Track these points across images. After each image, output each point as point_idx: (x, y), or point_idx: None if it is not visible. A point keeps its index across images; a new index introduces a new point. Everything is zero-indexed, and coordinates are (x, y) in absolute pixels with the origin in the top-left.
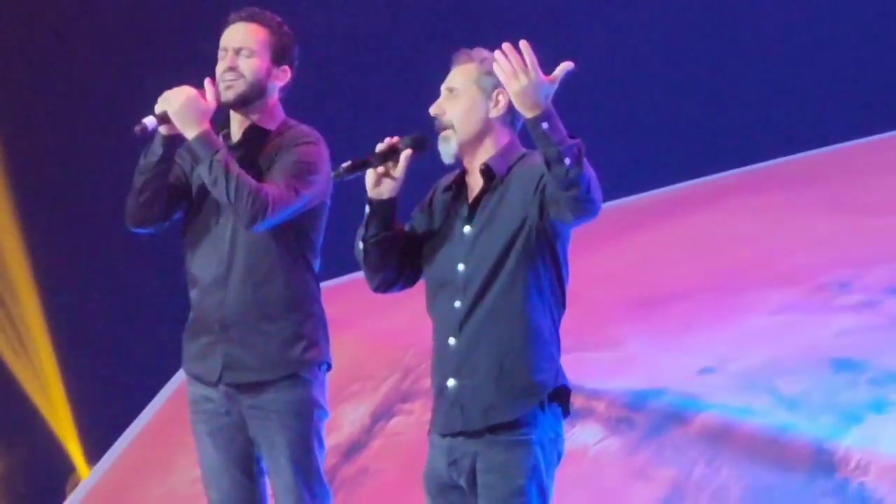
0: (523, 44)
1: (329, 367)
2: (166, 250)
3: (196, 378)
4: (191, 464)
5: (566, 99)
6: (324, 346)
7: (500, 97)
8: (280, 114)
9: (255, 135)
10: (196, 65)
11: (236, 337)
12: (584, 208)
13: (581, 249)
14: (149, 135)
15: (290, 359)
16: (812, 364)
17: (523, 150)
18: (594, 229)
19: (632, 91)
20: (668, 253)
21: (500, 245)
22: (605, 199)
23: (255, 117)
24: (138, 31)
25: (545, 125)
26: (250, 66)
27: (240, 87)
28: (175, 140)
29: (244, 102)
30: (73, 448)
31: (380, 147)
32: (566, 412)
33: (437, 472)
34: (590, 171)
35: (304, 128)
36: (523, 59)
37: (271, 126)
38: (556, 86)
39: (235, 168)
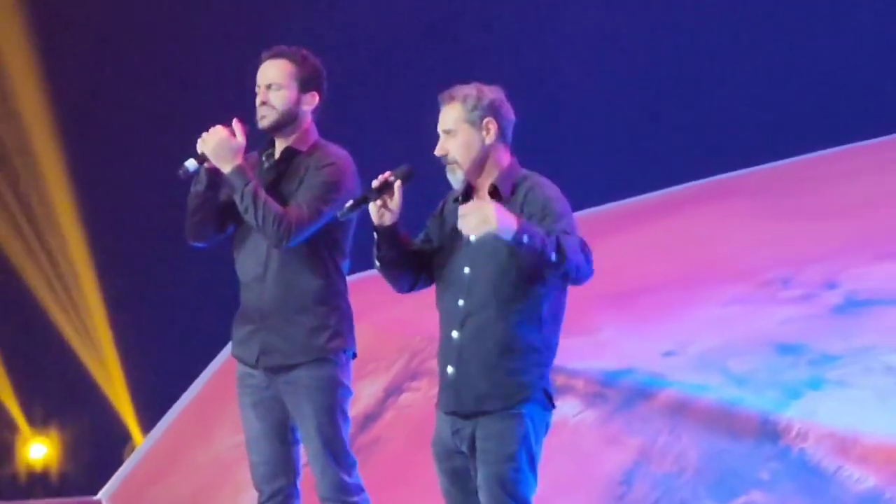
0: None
1: (354, 355)
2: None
3: (240, 360)
4: (231, 433)
5: (554, 118)
6: (347, 335)
7: (490, 125)
8: (313, 135)
9: (289, 155)
10: (238, 84)
11: (272, 326)
12: (580, 279)
13: None
14: (190, 175)
15: (316, 345)
16: (759, 347)
17: (523, 171)
18: None
19: (608, 112)
20: (638, 253)
21: (501, 256)
22: (584, 207)
23: (290, 140)
24: (186, 47)
25: (525, 238)
26: (280, 99)
27: (272, 117)
28: (217, 173)
29: (278, 129)
30: (129, 419)
31: (375, 183)
32: (552, 405)
33: (443, 440)
34: (575, 255)
35: (331, 148)
36: (479, 212)
37: (303, 147)
38: (490, 203)
39: (263, 196)
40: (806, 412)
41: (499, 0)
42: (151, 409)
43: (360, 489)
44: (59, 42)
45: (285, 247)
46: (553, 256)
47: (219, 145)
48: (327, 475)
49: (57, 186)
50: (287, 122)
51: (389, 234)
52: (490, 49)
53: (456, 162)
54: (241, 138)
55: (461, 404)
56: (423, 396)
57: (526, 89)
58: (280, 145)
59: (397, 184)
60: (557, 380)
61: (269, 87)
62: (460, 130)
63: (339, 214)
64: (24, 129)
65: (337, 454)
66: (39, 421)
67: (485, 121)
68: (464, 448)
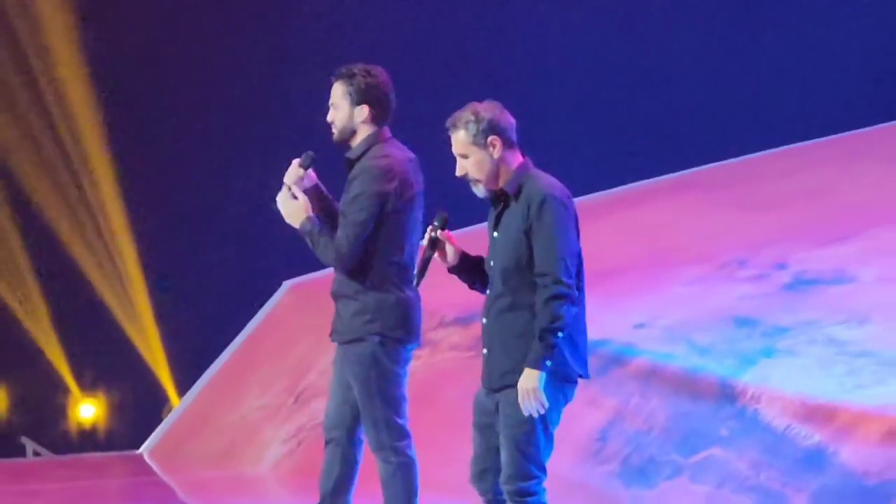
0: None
1: (396, 341)
2: (248, 221)
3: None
4: (257, 396)
5: (534, 113)
6: (387, 321)
7: (494, 142)
8: (363, 145)
9: (348, 163)
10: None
11: (336, 309)
12: (570, 316)
13: None
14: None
15: (353, 327)
16: (718, 321)
17: (530, 170)
18: None
19: (589, 114)
20: (613, 238)
21: (509, 249)
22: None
23: (350, 148)
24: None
25: (547, 365)
26: (337, 117)
27: (336, 134)
28: (315, 191)
29: (343, 142)
30: (167, 383)
31: (423, 242)
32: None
33: (480, 400)
34: (555, 326)
35: (365, 163)
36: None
37: (356, 155)
38: (527, 381)
39: (318, 239)
40: (759, 378)
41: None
42: (187, 375)
43: (397, 451)
44: (103, 16)
45: (345, 269)
46: (553, 352)
47: (286, 214)
48: (369, 435)
49: (102, 166)
50: (347, 136)
51: (461, 270)
52: (472, 46)
53: (475, 179)
54: (306, 183)
55: (490, 381)
56: (424, 364)
57: (512, 92)
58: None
59: (440, 234)
60: None
61: (332, 106)
62: (471, 153)
63: (415, 284)
64: (73, 113)
65: (374, 419)
66: (88, 385)
67: (489, 139)
68: (493, 409)
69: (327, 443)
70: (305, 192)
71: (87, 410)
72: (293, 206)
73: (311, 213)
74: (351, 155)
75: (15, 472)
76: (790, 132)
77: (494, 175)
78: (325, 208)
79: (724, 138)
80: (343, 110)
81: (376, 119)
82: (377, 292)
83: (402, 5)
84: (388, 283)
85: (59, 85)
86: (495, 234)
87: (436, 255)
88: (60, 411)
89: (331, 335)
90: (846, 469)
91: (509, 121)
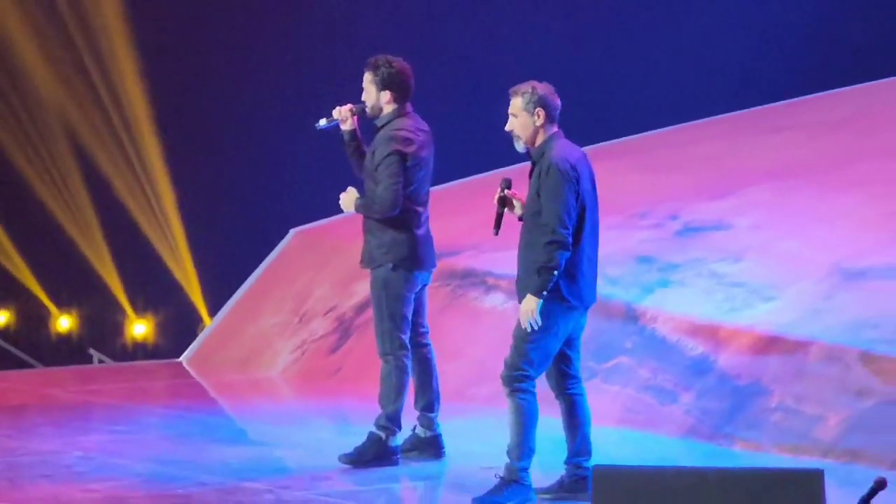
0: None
1: (405, 269)
2: (276, 158)
3: None
4: (273, 314)
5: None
6: (399, 252)
7: (539, 111)
8: (388, 117)
9: (376, 129)
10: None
11: (365, 242)
12: (564, 257)
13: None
14: (324, 130)
15: (374, 256)
16: (626, 259)
17: (555, 141)
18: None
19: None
20: None
21: (529, 201)
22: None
23: (379, 122)
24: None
25: (543, 295)
26: (368, 99)
27: (369, 111)
28: (352, 134)
29: (374, 117)
30: (201, 307)
31: (495, 200)
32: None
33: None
34: (550, 263)
35: (389, 132)
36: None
37: (381, 124)
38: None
39: (370, 206)
40: (656, 303)
41: None
42: (216, 300)
43: (396, 357)
44: None
45: (394, 213)
46: (551, 281)
47: (345, 206)
48: (377, 342)
49: (137, 98)
50: (377, 113)
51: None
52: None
53: (517, 136)
54: (349, 123)
55: (518, 297)
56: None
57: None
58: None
59: (506, 192)
60: (489, 280)
61: (364, 89)
62: (520, 115)
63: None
64: (111, 53)
65: (381, 331)
66: (140, 308)
67: (536, 109)
68: None
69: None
70: (345, 132)
71: (140, 328)
72: (346, 199)
73: (357, 200)
74: (378, 122)
75: (84, 375)
76: (686, 112)
77: (533, 137)
78: (357, 148)
79: (635, 115)
80: (371, 94)
81: (397, 100)
82: (394, 230)
83: None
84: (403, 223)
85: (98, 37)
86: (531, 186)
87: (506, 210)
88: (119, 329)
89: (360, 263)
90: (723, 373)
91: (556, 102)
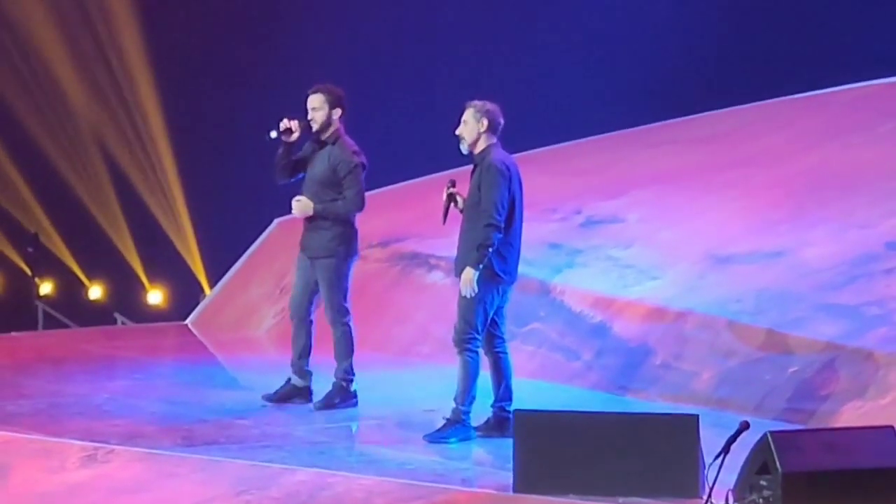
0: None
1: (348, 256)
2: (273, 149)
3: (300, 243)
4: (256, 287)
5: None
6: (346, 242)
7: (484, 121)
8: (337, 132)
9: (321, 143)
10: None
11: (311, 235)
12: (495, 242)
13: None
14: (272, 140)
15: (328, 247)
16: (540, 245)
17: (493, 149)
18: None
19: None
20: None
21: (470, 195)
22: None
23: (324, 135)
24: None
25: (478, 267)
26: (318, 116)
27: (317, 126)
28: (290, 146)
29: (321, 132)
30: (203, 279)
31: (444, 196)
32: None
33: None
34: (484, 247)
35: (339, 146)
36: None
37: (329, 140)
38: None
39: (333, 209)
40: (564, 280)
41: None
42: (215, 274)
43: (344, 323)
44: None
45: (360, 212)
46: (485, 258)
47: (301, 211)
48: (328, 313)
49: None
50: (325, 128)
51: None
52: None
53: (463, 138)
54: (296, 135)
55: (456, 271)
56: (358, 271)
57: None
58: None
59: (452, 191)
60: (431, 261)
61: (313, 109)
62: (469, 122)
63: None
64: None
65: (332, 303)
66: (154, 279)
67: (482, 119)
68: None
69: (292, 318)
70: (290, 141)
71: (154, 297)
72: (300, 205)
73: (317, 205)
74: (324, 136)
75: (110, 334)
76: (588, 128)
77: (475, 142)
78: (290, 158)
79: (548, 130)
80: (323, 111)
81: (342, 118)
82: (341, 226)
83: None
84: (351, 221)
85: (110, 19)
86: (471, 184)
87: (451, 204)
88: (137, 297)
89: (304, 251)
90: (617, 337)
91: (499, 119)
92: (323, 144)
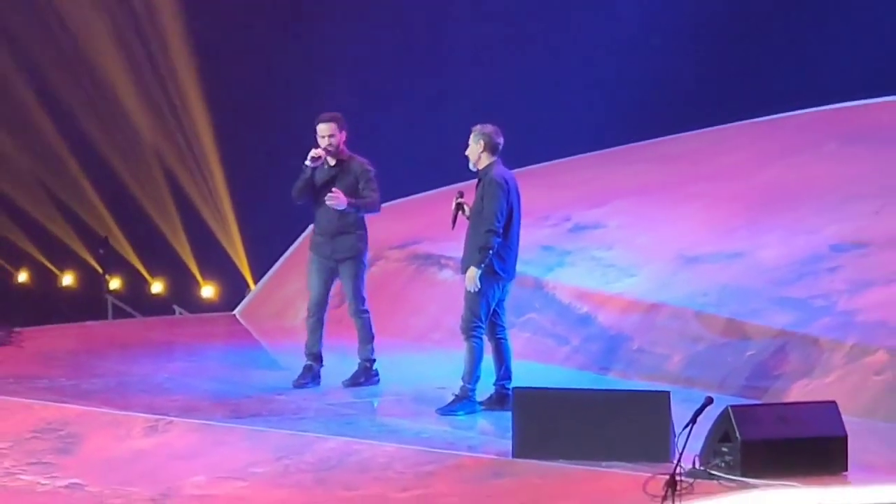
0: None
1: (365, 253)
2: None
3: (316, 252)
4: (292, 284)
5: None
6: (365, 245)
7: (481, 142)
8: (347, 153)
9: (339, 162)
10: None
11: (338, 239)
12: (493, 246)
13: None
14: (308, 169)
15: (354, 247)
16: (534, 247)
17: (494, 165)
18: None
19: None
20: None
21: (474, 205)
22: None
23: (340, 156)
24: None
25: (482, 266)
26: (332, 142)
27: (332, 150)
28: (314, 171)
29: (336, 154)
30: (248, 276)
31: (453, 205)
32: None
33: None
34: (486, 247)
35: (357, 161)
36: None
37: (344, 158)
38: (475, 275)
39: (362, 205)
40: (555, 277)
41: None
42: (259, 271)
43: (365, 312)
44: None
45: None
46: (486, 258)
47: (339, 203)
48: (351, 305)
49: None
50: (336, 151)
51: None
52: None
53: (469, 157)
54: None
55: (462, 269)
56: (379, 269)
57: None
58: (332, 159)
59: (462, 199)
60: (442, 261)
61: (330, 136)
62: (472, 144)
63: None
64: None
65: (355, 296)
66: (207, 276)
67: (480, 141)
68: None
69: (311, 316)
70: (317, 166)
71: (207, 291)
72: (340, 197)
73: (351, 199)
74: (342, 159)
75: (170, 323)
76: (574, 148)
77: (477, 160)
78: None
79: (543, 148)
80: (336, 136)
81: (346, 140)
82: (362, 231)
83: None
84: (364, 226)
85: (167, 51)
86: (476, 196)
87: (459, 213)
88: (192, 291)
89: (327, 256)
90: (601, 325)
91: (496, 140)
92: (339, 163)
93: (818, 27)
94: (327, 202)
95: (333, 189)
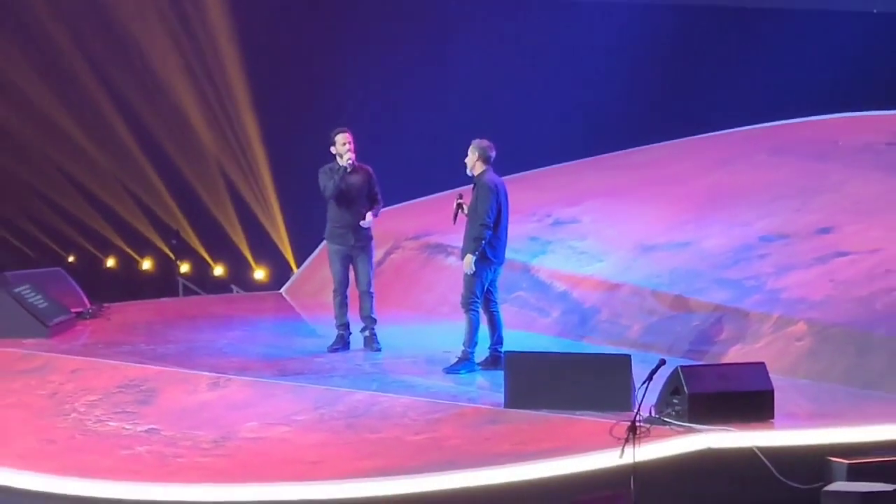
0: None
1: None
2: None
3: (338, 242)
4: (325, 269)
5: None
6: (372, 236)
7: (476, 153)
8: (355, 162)
9: (354, 168)
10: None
11: (359, 232)
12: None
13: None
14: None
15: (371, 236)
16: (522, 238)
17: (486, 172)
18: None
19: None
20: None
21: (470, 205)
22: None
23: (356, 162)
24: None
25: (477, 252)
26: (353, 149)
27: (355, 158)
28: (344, 177)
29: (354, 160)
30: (291, 261)
31: (454, 205)
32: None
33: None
34: (478, 237)
35: (364, 165)
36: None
37: (358, 164)
38: (471, 260)
39: (378, 209)
40: (539, 262)
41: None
42: (301, 256)
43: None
44: None
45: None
46: (480, 247)
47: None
48: (366, 285)
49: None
50: (351, 162)
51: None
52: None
53: (467, 165)
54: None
55: (461, 255)
56: (398, 256)
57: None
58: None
59: (462, 199)
60: (448, 249)
61: (351, 142)
62: (470, 154)
63: (454, 222)
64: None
65: (369, 277)
66: (258, 261)
67: (477, 152)
68: None
69: (338, 295)
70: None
71: (259, 274)
72: (372, 218)
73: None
74: (357, 165)
75: (228, 300)
76: (553, 158)
77: (473, 167)
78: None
79: (528, 156)
80: (353, 144)
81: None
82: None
83: None
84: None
85: (223, 68)
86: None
87: (460, 212)
88: (246, 273)
89: (350, 246)
90: (576, 300)
91: (489, 152)
92: (354, 169)
93: (750, 59)
94: (363, 225)
95: (366, 216)
